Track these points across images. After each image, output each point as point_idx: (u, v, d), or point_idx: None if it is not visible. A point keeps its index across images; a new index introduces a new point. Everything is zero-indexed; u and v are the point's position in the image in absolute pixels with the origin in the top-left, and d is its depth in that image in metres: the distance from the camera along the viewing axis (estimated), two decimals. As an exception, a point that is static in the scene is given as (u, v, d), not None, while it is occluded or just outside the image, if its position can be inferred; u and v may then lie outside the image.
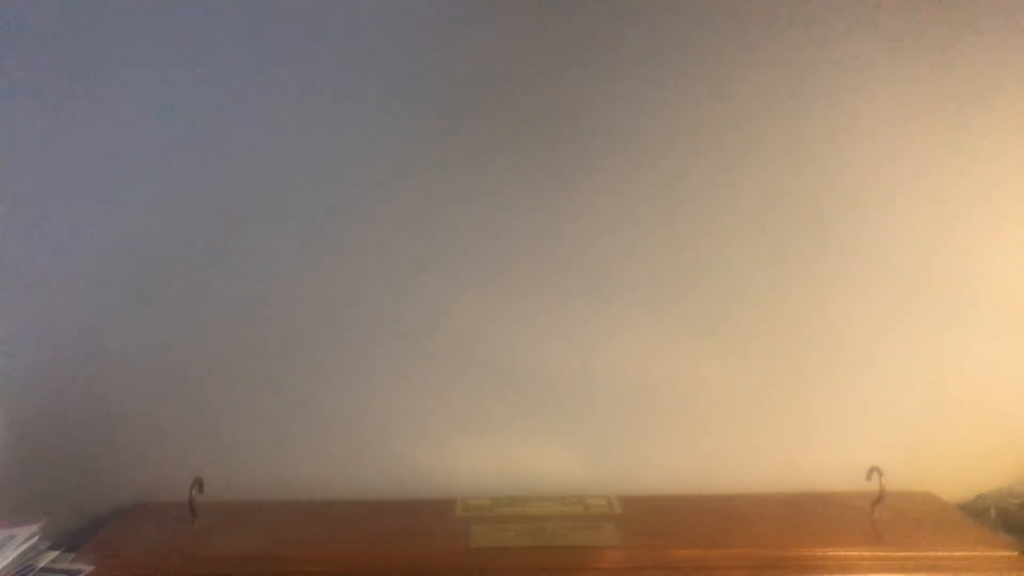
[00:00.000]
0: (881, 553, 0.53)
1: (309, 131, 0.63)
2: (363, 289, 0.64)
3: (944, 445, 0.65)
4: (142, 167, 0.63)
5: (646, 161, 0.62)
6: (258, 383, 0.66)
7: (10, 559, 0.55)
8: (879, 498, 0.58)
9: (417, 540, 0.57)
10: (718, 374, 0.66)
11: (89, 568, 0.57)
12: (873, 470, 0.59)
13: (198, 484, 0.62)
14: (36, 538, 0.57)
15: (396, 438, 0.67)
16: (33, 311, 0.64)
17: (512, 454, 0.68)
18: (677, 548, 0.54)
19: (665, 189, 0.62)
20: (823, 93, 0.61)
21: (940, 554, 0.53)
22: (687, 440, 0.67)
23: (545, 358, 0.66)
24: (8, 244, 0.63)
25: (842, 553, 0.53)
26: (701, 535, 0.56)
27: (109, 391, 0.65)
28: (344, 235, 0.63)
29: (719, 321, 0.65)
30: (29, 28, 0.61)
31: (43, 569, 0.56)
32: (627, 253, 0.64)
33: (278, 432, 0.66)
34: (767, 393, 0.66)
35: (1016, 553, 0.53)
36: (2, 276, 0.63)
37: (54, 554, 0.57)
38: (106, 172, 0.62)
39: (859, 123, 0.61)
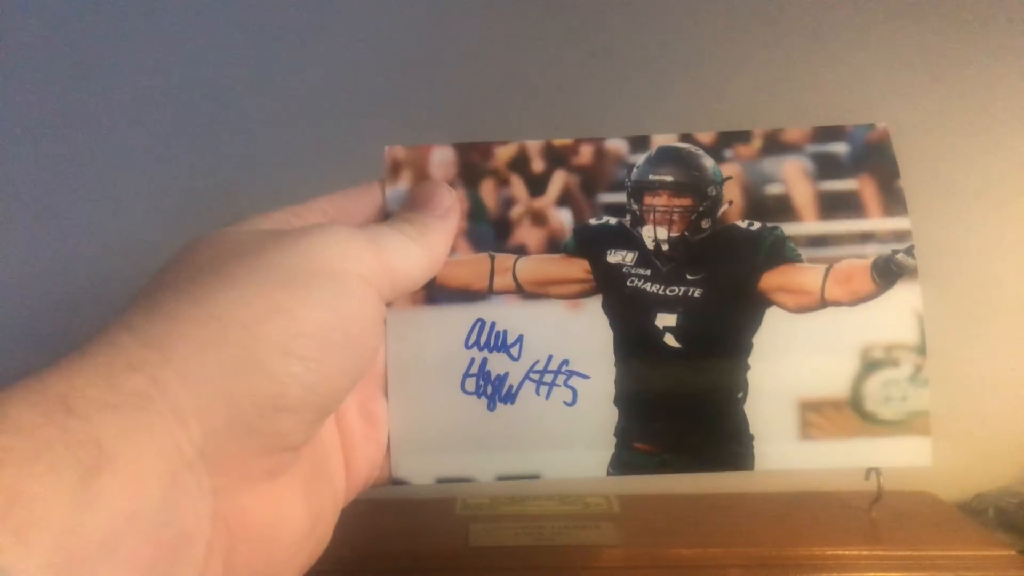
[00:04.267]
0: (879, 552, 0.53)
1: (315, 128, 0.63)
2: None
3: (943, 444, 0.64)
4: (144, 165, 0.63)
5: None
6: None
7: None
8: (877, 497, 0.58)
9: (416, 538, 0.57)
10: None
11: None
12: (872, 470, 0.59)
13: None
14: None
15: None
16: (31, 311, 0.65)
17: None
18: (676, 547, 0.54)
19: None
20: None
21: (939, 553, 0.52)
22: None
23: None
24: (8, 243, 0.63)
25: (840, 552, 0.53)
26: (700, 534, 0.56)
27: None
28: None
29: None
30: (29, 24, 0.61)
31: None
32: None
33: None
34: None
35: (1014, 552, 0.53)
36: (1, 274, 0.64)
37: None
38: (107, 170, 0.63)
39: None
